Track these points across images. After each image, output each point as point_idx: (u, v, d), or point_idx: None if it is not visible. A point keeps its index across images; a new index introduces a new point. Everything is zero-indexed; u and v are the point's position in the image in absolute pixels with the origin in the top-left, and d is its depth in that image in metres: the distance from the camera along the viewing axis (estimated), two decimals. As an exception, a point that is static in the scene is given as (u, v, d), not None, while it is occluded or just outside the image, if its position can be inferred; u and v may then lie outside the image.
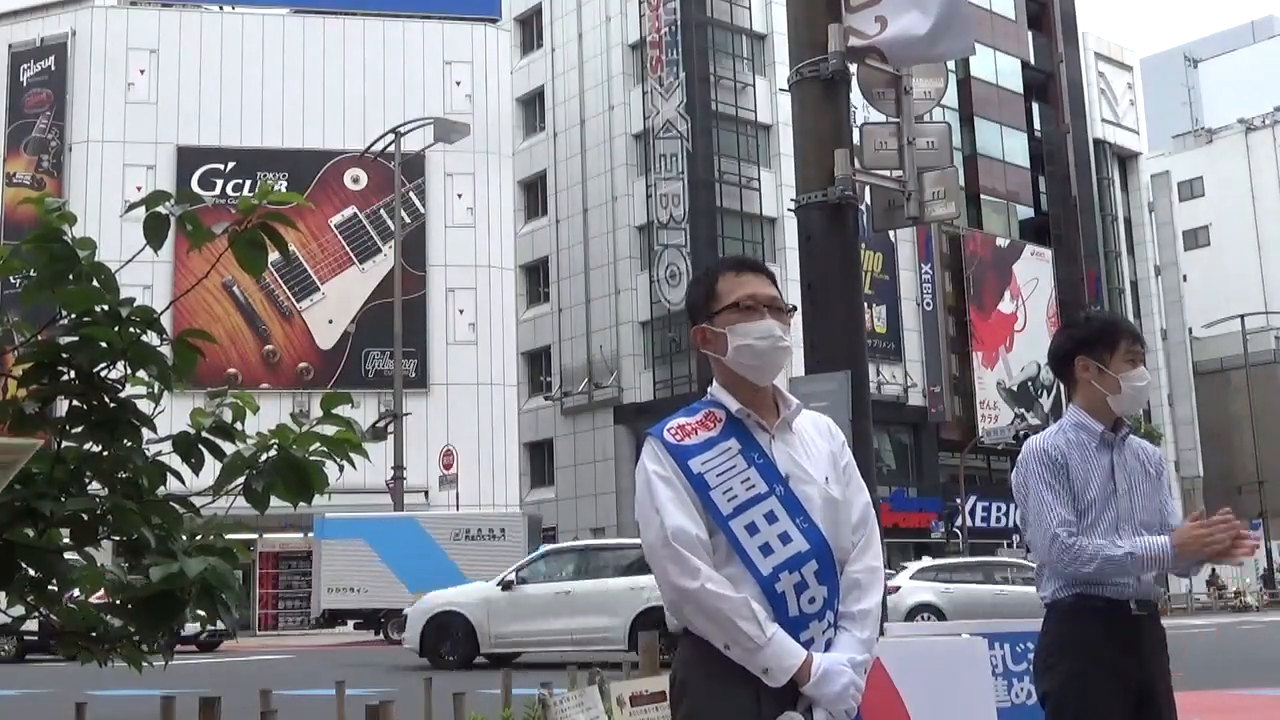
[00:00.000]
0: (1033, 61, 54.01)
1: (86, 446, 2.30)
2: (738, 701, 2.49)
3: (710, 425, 2.66)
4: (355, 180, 40.86)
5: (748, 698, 2.49)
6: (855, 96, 7.03)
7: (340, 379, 38.38)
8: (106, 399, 2.30)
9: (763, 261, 2.83)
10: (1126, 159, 60.21)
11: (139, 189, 36.92)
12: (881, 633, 5.74)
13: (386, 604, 28.16)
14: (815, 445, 2.71)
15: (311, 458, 2.33)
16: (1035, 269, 51.27)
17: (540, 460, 48.05)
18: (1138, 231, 60.14)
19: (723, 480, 2.58)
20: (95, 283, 2.25)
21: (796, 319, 2.93)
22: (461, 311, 41.23)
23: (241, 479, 2.32)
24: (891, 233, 40.03)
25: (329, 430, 2.34)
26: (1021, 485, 3.68)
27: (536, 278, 49.19)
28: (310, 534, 38.03)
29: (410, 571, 27.73)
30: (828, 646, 2.54)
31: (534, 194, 49.49)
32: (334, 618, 29.87)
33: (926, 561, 26.33)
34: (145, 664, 2.50)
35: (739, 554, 2.54)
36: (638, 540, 4.39)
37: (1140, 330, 3.93)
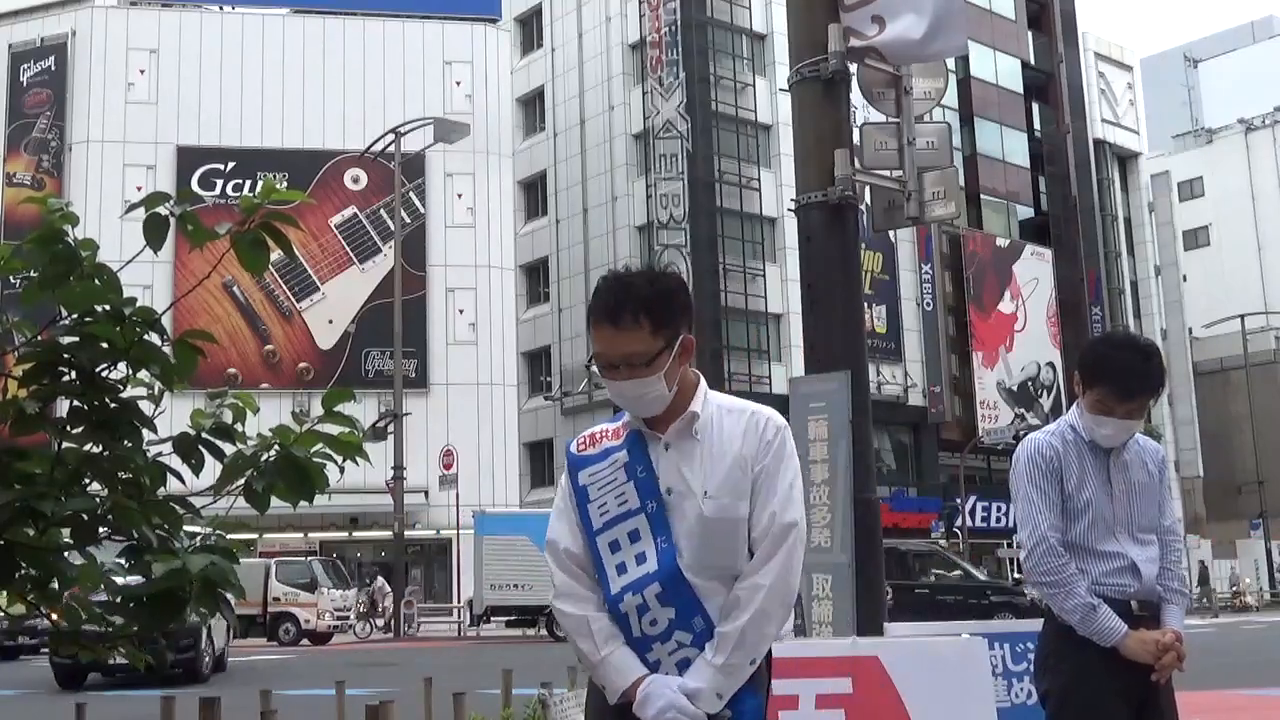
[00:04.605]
0: (1033, 61, 54.01)
1: (87, 447, 2.30)
2: (599, 706, 2.58)
3: (619, 434, 2.62)
4: (355, 180, 40.89)
5: (605, 704, 2.56)
6: (855, 96, 7.03)
7: (340, 379, 38.35)
8: (107, 399, 2.30)
9: (625, 305, 2.47)
10: (1126, 159, 60.20)
11: (139, 189, 36.93)
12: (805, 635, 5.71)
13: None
14: (719, 451, 2.53)
15: (314, 458, 2.33)
16: (1035, 269, 51.26)
17: (540, 460, 48.02)
18: (1138, 232, 60.14)
19: (601, 494, 2.57)
20: (97, 283, 2.25)
21: (797, 320, 2.90)
22: (461, 311, 41.24)
23: (242, 479, 2.32)
24: (891, 233, 40.01)
25: (332, 429, 2.35)
26: (1014, 484, 3.68)
27: (536, 278, 49.18)
28: (310, 534, 38.20)
29: None
30: (684, 667, 2.49)
31: (534, 194, 49.48)
32: (489, 615, 29.37)
33: None
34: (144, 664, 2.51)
35: (599, 570, 2.55)
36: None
37: (1154, 387, 3.55)
